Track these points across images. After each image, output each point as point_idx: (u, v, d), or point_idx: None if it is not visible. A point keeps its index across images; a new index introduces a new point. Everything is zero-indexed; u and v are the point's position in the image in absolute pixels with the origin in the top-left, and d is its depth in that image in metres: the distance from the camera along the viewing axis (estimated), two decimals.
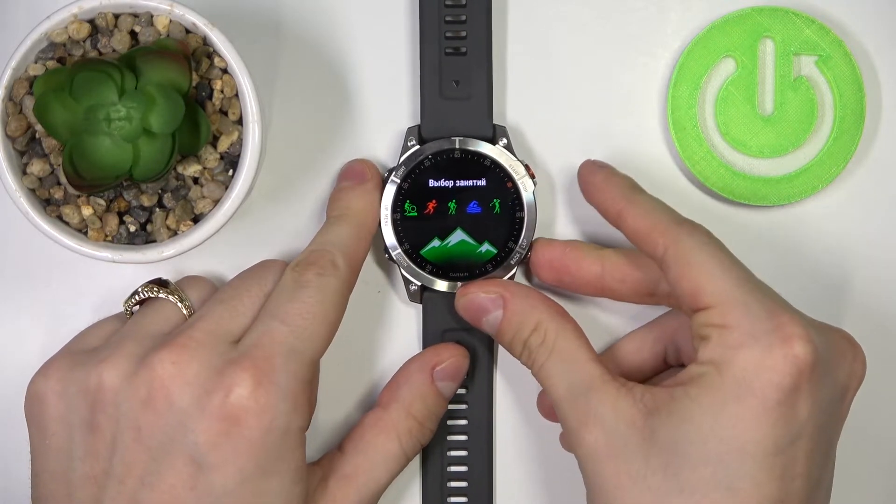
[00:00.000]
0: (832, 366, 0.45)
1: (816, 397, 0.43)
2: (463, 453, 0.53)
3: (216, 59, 0.48)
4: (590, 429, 0.45)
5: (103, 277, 0.53)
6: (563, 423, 0.47)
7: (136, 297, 0.50)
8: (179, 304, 0.49)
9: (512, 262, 0.52)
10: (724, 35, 0.53)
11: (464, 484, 0.53)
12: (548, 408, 0.52)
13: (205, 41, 0.48)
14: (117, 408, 0.46)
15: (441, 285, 0.52)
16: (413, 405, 0.50)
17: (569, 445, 0.47)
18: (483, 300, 0.50)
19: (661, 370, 0.51)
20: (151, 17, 0.48)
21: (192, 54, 0.48)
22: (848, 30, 0.54)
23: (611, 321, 0.53)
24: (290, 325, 0.46)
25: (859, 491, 0.54)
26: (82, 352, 0.48)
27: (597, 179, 0.50)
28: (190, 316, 0.49)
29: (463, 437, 0.53)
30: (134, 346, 0.47)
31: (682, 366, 0.49)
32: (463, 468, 0.53)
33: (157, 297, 0.49)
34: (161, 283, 0.50)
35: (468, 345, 0.52)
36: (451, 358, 0.51)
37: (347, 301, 0.48)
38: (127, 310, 0.50)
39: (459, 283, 0.51)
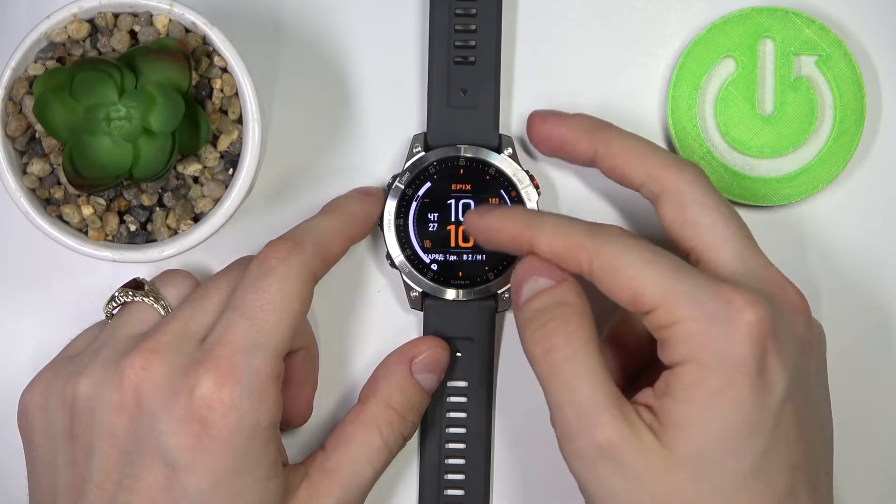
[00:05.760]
0: (787, 321, 0.45)
1: (784, 355, 0.44)
2: (461, 446, 0.52)
3: (216, 58, 0.48)
4: (613, 448, 0.44)
5: (103, 277, 0.53)
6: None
7: (114, 302, 0.49)
8: (156, 305, 0.49)
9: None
10: (724, 35, 0.53)
11: (461, 476, 0.53)
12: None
13: (204, 40, 0.48)
14: (92, 415, 0.46)
15: (442, 293, 0.52)
16: (392, 397, 0.50)
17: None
18: (540, 268, 0.47)
19: None
20: (151, 16, 0.48)
21: (191, 53, 0.48)
22: (848, 30, 0.54)
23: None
24: (251, 318, 0.46)
25: (858, 490, 0.54)
26: (64, 362, 0.48)
27: (492, 216, 0.48)
28: (167, 315, 0.49)
29: (461, 430, 0.52)
30: (108, 352, 0.47)
31: None
32: (461, 460, 0.52)
33: (132, 301, 0.49)
34: (137, 286, 0.49)
35: (468, 351, 0.52)
36: (429, 350, 0.51)
37: (312, 291, 0.47)
38: (107, 314, 0.50)
39: (461, 291, 0.51)
